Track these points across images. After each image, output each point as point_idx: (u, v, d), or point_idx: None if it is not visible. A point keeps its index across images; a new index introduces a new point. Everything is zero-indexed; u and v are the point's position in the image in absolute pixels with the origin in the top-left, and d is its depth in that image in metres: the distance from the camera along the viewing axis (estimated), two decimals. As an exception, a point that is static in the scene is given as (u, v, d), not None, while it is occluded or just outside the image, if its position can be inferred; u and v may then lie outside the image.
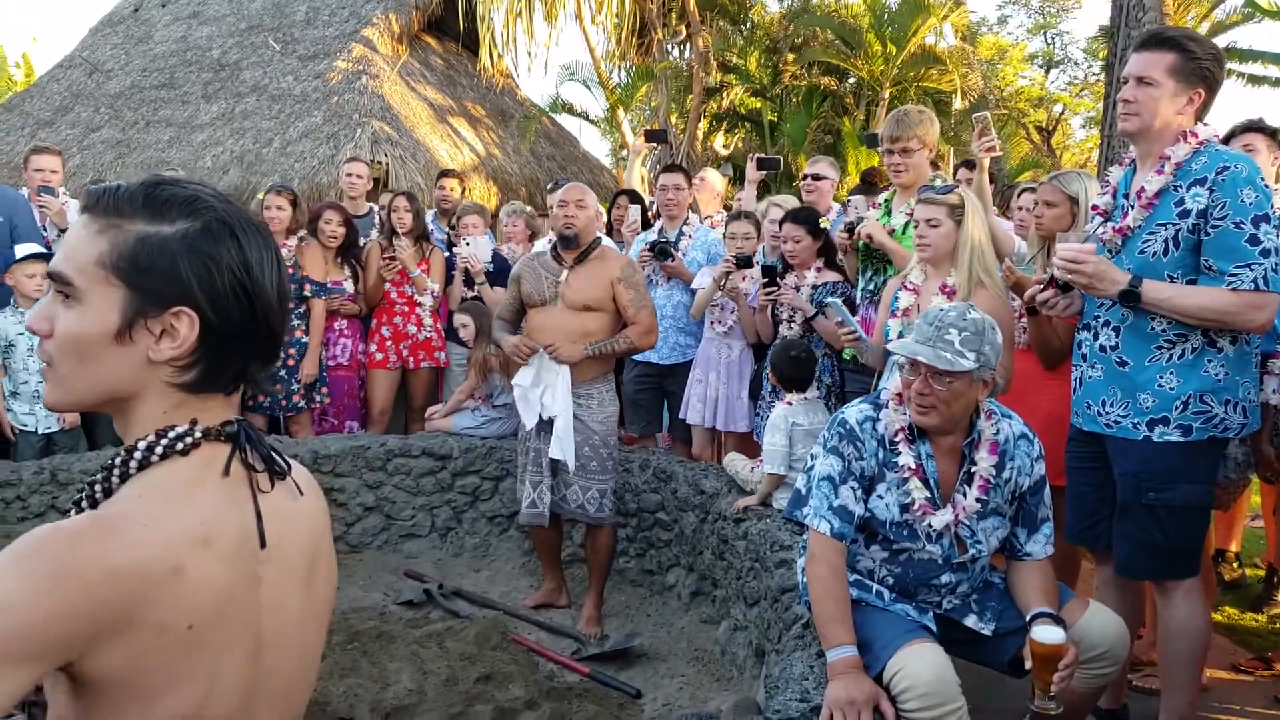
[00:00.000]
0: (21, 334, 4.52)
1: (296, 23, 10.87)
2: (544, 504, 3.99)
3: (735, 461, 4.05)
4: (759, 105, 14.61)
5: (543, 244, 5.41)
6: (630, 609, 4.33)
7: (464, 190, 6.61)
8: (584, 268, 3.98)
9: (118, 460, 0.98)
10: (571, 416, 3.90)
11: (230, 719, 1.00)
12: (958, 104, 13.16)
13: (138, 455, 0.98)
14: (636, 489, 4.54)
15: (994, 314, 2.66)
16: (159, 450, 0.98)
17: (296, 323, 5.17)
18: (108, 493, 0.97)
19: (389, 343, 5.50)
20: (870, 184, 5.44)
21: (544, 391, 3.93)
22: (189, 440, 0.99)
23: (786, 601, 3.19)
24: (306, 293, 5.18)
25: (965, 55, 14.06)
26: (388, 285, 5.47)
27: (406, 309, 5.51)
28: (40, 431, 4.61)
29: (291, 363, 5.14)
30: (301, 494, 1.12)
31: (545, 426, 3.98)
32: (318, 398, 5.32)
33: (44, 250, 4.67)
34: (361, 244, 5.57)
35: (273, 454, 1.08)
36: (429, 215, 6.04)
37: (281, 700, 1.07)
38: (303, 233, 5.38)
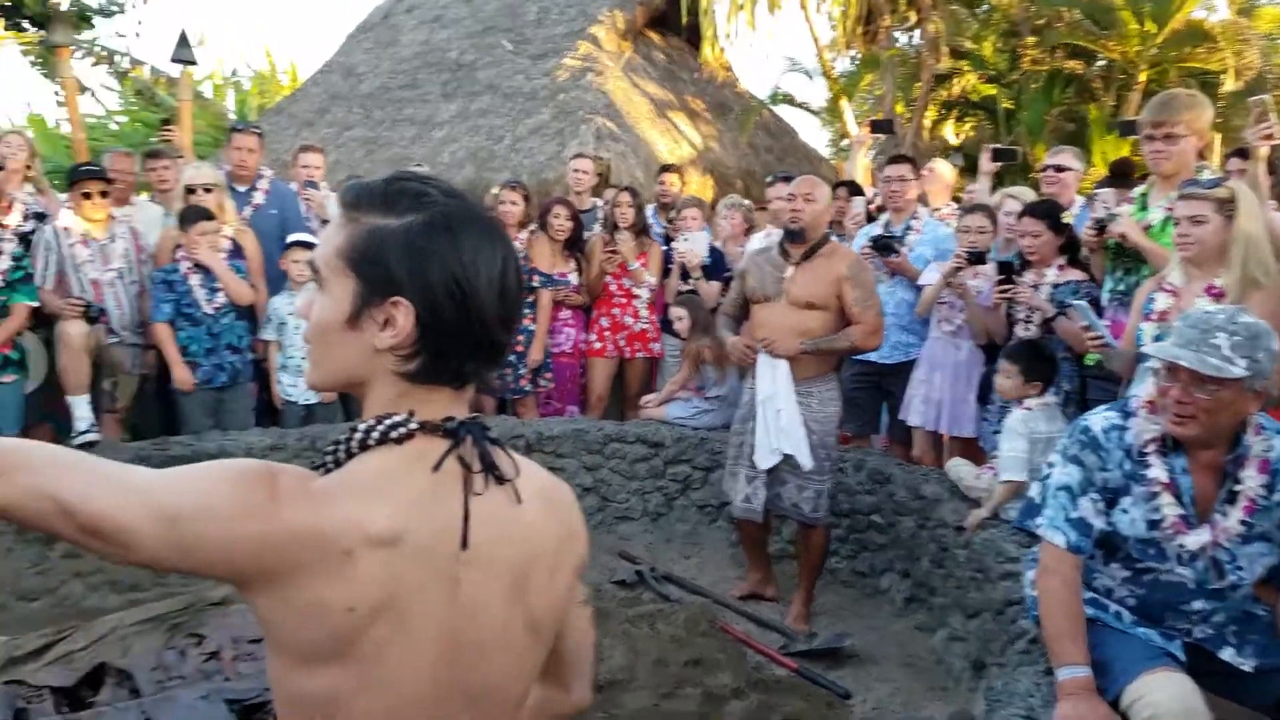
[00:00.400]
0: (291, 314, 5.03)
1: (528, 23, 11.38)
2: (758, 500, 3.98)
3: (960, 467, 3.89)
4: (993, 92, 13.81)
5: (759, 238, 5.41)
6: (841, 609, 4.26)
7: (683, 185, 6.71)
8: (810, 264, 3.87)
9: (343, 438, 1.03)
10: (796, 412, 3.84)
11: (419, 707, 1.02)
12: (1229, 85, 11.84)
13: (358, 437, 1.02)
14: (851, 489, 4.46)
15: (1272, 319, 2.39)
16: (375, 435, 1.01)
17: (526, 311, 5.45)
18: (338, 464, 1.02)
19: (608, 333, 5.68)
20: (1122, 176, 5.04)
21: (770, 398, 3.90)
22: (403, 430, 1.01)
23: (1011, 615, 3.06)
24: (534, 283, 5.45)
25: (1240, 30, 12.62)
26: (608, 278, 5.65)
27: (624, 301, 5.67)
28: (302, 402, 5.12)
29: (520, 349, 5.42)
30: (520, 501, 1.08)
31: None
32: (542, 382, 5.59)
33: (310, 239, 5.16)
34: (585, 238, 5.78)
35: (496, 458, 1.06)
36: (649, 210, 6.18)
37: (486, 700, 1.07)
38: (533, 226, 5.64)
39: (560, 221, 5.56)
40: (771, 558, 4.42)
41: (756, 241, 5.31)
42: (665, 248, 5.78)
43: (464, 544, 1.01)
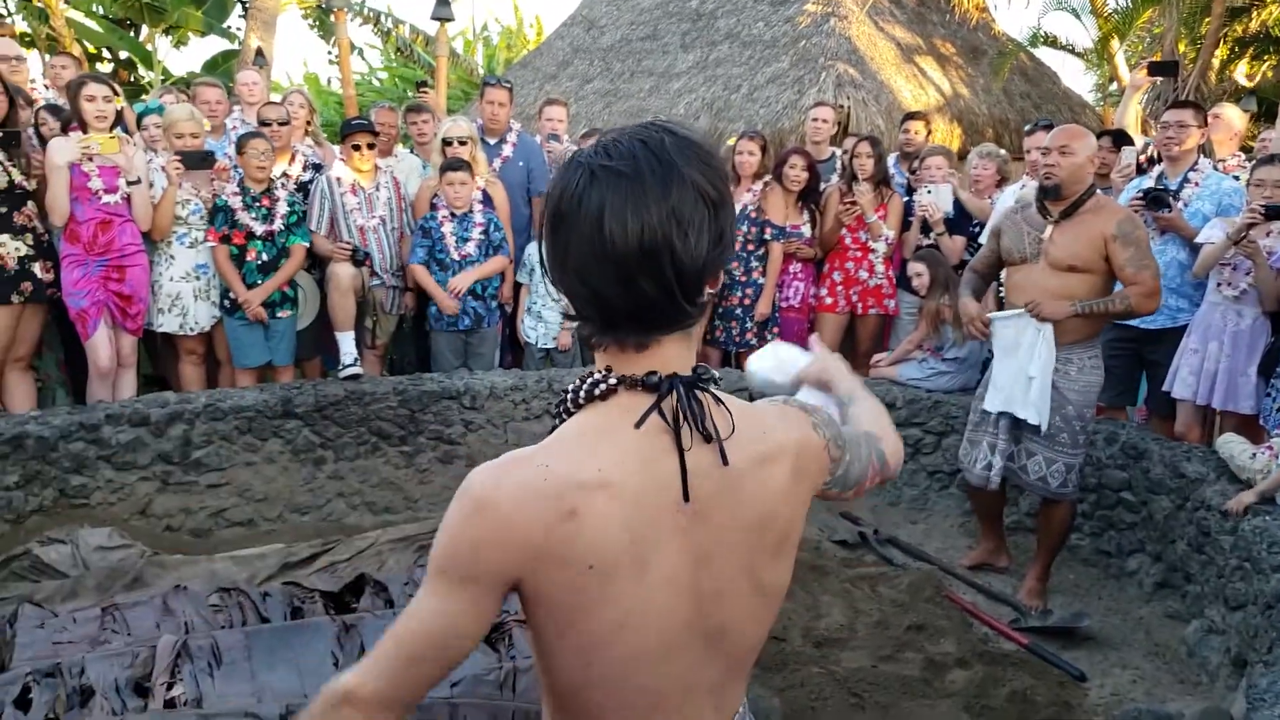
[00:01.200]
0: (542, 261, 5.30)
1: (772, -33, 11.11)
2: (997, 469, 3.78)
3: (1233, 444, 3.51)
4: (1301, 24, 12.00)
5: (1011, 191, 5.05)
6: (1079, 588, 4.01)
7: (929, 133, 6.37)
8: (1071, 222, 3.55)
9: (560, 398, 1.07)
10: (1050, 380, 3.58)
11: (664, 647, 1.05)
12: None
13: (569, 396, 1.05)
14: (1099, 463, 4.14)
15: None
16: (582, 394, 1.03)
17: (755, 264, 5.41)
18: (563, 422, 1.06)
19: (839, 288, 5.54)
20: None
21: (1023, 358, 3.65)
22: (604, 386, 1.02)
23: (1286, 612, 2.76)
24: (767, 236, 5.39)
25: None
26: (843, 230, 5.49)
27: (859, 254, 5.49)
28: (540, 345, 5.39)
29: (748, 302, 5.41)
30: (726, 463, 1.04)
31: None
32: (769, 336, 5.54)
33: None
34: (821, 189, 5.63)
35: (713, 413, 1.04)
36: (890, 159, 5.93)
37: (726, 641, 1.10)
38: (768, 177, 5.57)
39: (796, 172, 5.44)
40: (1006, 529, 4.20)
41: (1007, 195, 4.97)
42: (907, 199, 5.54)
43: (685, 497, 1.02)
